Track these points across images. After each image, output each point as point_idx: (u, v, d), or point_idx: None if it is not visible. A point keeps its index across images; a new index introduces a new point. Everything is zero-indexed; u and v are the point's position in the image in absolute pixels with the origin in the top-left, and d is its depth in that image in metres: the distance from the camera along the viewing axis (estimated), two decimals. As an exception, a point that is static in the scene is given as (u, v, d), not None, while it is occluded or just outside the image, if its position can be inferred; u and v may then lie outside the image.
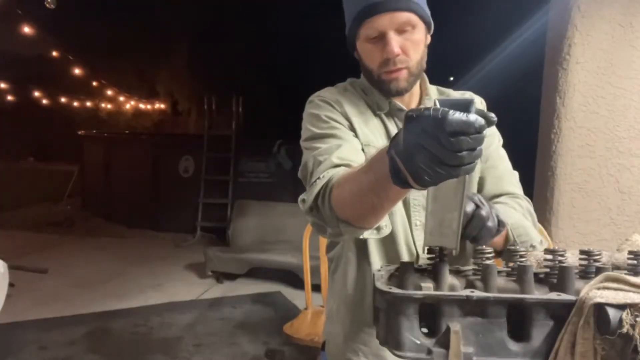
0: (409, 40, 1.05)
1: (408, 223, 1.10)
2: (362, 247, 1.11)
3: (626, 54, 2.00)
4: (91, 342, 3.33)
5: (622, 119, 2.04)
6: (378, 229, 1.01)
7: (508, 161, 1.20)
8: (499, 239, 0.97)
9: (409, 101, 1.15)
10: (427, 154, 0.58)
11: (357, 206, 0.84)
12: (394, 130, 1.13)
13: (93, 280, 4.64)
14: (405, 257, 1.07)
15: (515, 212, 1.06)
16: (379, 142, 1.10)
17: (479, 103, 1.18)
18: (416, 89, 1.15)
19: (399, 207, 1.09)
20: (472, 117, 0.57)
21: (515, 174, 1.19)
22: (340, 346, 1.17)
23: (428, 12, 1.08)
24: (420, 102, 1.16)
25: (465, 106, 0.59)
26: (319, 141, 1.06)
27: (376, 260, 1.09)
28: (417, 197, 1.09)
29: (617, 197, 2.07)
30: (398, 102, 1.13)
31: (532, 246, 1.02)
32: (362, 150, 1.07)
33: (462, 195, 0.69)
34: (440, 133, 0.56)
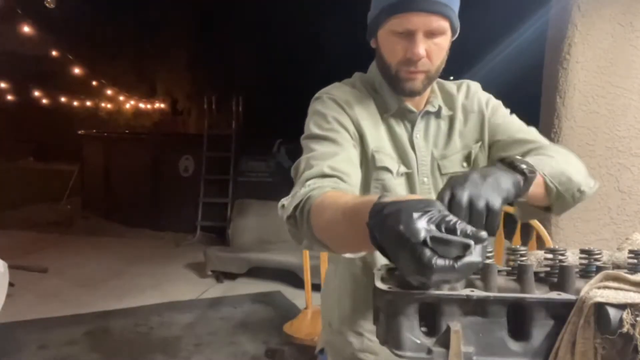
0: (435, 45, 1.01)
1: None
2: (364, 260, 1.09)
3: (626, 53, 2.00)
4: (91, 342, 3.33)
5: (622, 119, 2.04)
6: None
7: (521, 123, 1.17)
8: (537, 190, 0.89)
9: (419, 101, 1.13)
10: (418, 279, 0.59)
11: (335, 239, 0.81)
12: (402, 133, 1.11)
13: (93, 279, 4.64)
14: None
15: (552, 159, 0.97)
16: (387, 147, 1.09)
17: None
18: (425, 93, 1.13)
19: None
20: (463, 264, 0.54)
21: (532, 129, 1.15)
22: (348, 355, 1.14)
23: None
24: (427, 102, 1.13)
25: (462, 248, 0.54)
26: (317, 142, 1.02)
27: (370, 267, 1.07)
28: (428, 196, 1.09)
29: (617, 196, 2.07)
30: (407, 103, 1.11)
31: (580, 191, 0.96)
32: (373, 155, 1.06)
33: None
34: (429, 281, 0.57)
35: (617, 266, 0.73)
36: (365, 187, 1.08)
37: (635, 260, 0.71)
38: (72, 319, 3.68)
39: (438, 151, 1.13)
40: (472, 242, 0.54)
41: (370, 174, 1.07)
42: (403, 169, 1.09)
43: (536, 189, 0.88)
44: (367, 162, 1.07)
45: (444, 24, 1.00)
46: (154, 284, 4.56)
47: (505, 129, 1.14)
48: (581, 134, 2.06)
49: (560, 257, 0.72)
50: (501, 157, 0.86)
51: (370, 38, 1.10)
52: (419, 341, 0.65)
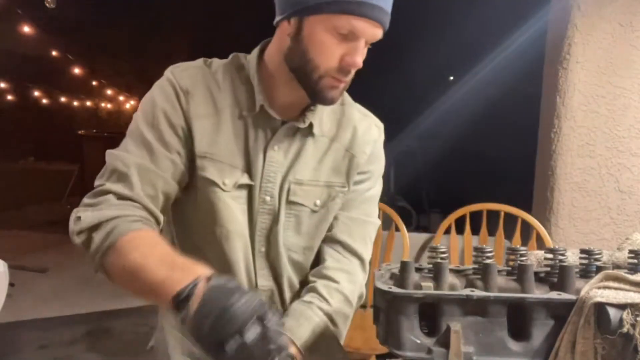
0: (362, 58, 0.90)
1: (251, 249, 0.98)
2: None
3: (626, 53, 2.00)
4: (91, 342, 3.33)
5: (622, 118, 2.04)
6: None
7: (369, 213, 1.07)
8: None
9: (290, 109, 0.98)
10: None
11: (131, 289, 0.79)
12: (257, 139, 0.96)
13: (93, 279, 4.63)
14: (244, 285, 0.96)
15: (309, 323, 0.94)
16: (225, 153, 0.94)
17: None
18: (304, 100, 0.97)
19: (241, 231, 0.96)
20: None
21: (369, 223, 1.07)
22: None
23: None
24: (301, 114, 0.99)
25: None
26: (135, 143, 0.92)
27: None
28: (264, 220, 0.98)
29: (617, 196, 2.07)
30: (276, 106, 0.96)
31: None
32: (194, 160, 0.93)
33: None
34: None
35: (617, 266, 0.73)
36: (191, 200, 0.97)
37: (635, 260, 0.71)
38: (72, 319, 3.68)
39: (295, 174, 0.98)
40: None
41: (195, 185, 0.95)
42: (245, 179, 0.95)
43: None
44: (194, 168, 0.95)
45: (380, 38, 0.89)
46: (154, 284, 4.56)
47: (349, 214, 1.04)
48: (581, 134, 2.06)
49: (560, 257, 0.72)
50: None
51: (288, 17, 0.88)
52: (419, 341, 0.65)
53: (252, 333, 0.59)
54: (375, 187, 1.08)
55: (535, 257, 0.81)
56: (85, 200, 0.88)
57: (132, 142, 0.93)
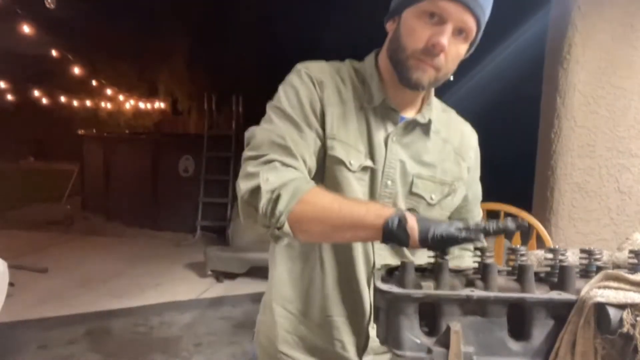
0: (455, 48, 0.96)
1: None
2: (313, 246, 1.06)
3: (626, 53, 2.00)
4: (91, 342, 3.33)
5: (623, 119, 2.04)
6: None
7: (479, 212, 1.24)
8: None
9: (407, 105, 1.07)
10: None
11: (327, 237, 0.93)
12: (378, 129, 1.03)
13: (93, 279, 4.63)
14: (360, 265, 1.04)
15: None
16: (351, 138, 1.01)
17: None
18: (419, 99, 1.08)
19: None
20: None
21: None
22: (273, 338, 1.11)
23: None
24: (419, 111, 1.08)
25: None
26: (281, 119, 0.99)
27: (328, 258, 1.04)
28: (387, 200, 1.04)
29: (617, 197, 2.07)
30: (395, 102, 1.04)
31: None
32: (324, 142, 1.00)
33: None
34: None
35: (617, 266, 0.73)
36: (318, 180, 1.02)
37: (635, 260, 0.71)
38: (71, 319, 3.68)
39: (416, 167, 1.05)
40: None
41: (324, 164, 1.02)
42: (368, 162, 1.02)
43: None
44: (325, 149, 1.01)
45: (473, 28, 0.95)
46: (154, 284, 4.56)
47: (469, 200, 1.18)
48: (581, 134, 2.06)
49: (560, 257, 0.72)
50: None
51: (390, 18, 1.02)
52: (419, 341, 0.65)
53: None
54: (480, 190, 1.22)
55: (535, 257, 0.81)
56: (250, 169, 0.95)
57: (278, 117, 1.00)
